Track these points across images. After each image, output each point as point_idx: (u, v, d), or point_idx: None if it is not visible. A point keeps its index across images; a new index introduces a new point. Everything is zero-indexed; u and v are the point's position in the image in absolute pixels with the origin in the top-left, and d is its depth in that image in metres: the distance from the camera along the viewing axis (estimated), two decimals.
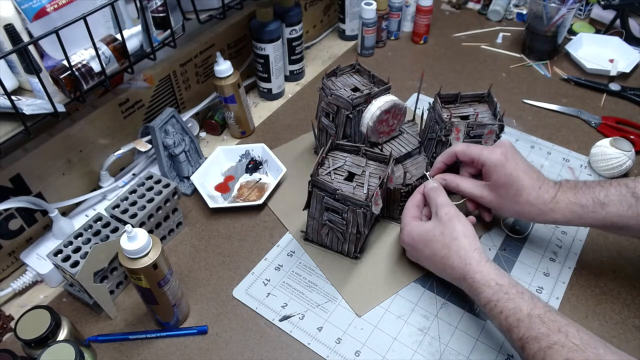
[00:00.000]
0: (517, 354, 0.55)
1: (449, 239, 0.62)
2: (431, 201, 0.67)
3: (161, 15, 0.71)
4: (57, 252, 0.63)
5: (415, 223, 0.67)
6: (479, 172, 0.70)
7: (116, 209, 0.70)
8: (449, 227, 0.63)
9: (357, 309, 0.68)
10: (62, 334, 0.58)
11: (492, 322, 0.58)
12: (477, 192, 0.68)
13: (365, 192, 0.67)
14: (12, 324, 0.67)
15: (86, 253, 0.62)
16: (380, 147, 0.78)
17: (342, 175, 0.69)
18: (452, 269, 0.61)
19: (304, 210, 0.71)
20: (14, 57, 0.60)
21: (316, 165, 0.68)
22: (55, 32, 0.57)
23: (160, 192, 0.72)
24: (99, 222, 0.67)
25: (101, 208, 0.78)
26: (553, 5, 1.00)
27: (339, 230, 0.69)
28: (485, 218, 0.73)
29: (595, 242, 0.75)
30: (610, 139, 0.83)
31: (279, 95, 1.03)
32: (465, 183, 0.70)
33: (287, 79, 1.06)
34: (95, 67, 0.65)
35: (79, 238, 0.65)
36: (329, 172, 0.69)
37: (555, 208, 0.63)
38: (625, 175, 0.83)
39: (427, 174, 0.72)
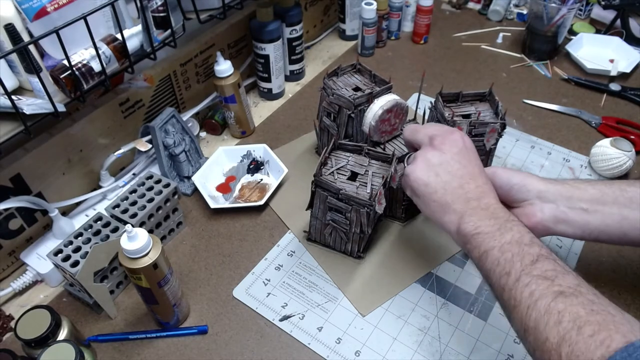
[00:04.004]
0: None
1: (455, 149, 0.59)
2: (416, 139, 0.64)
3: (161, 15, 0.71)
4: (57, 251, 0.63)
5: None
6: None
7: (116, 209, 0.70)
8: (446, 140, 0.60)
9: (360, 308, 0.68)
10: (62, 334, 0.58)
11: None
12: None
13: (368, 191, 0.67)
14: (12, 324, 0.67)
15: (86, 253, 0.62)
16: (382, 146, 0.78)
17: (345, 175, 0.69)
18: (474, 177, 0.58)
19: (306, 210, 0.71)
20: (14, 57, 0.60)
21: (319, 165, 0.68)
22: (56, 31, 0.57)
23: (160, 192, 0.72)
24: (99, 222, 0.67)
25: (101, 208, 0.78)
26: (553, 5, 1.00)
27: (343, 230, 0.69)
28: None
29: (595, 242, 0.75)
30: (610, 139, 0.83)
31: (279, 95, 1.03)
32: None
33: (287, 78, 1.06)
34: (96, 66, 0.65)
35: (79, 238, 0.65)
36: (332, 172, 0.69)
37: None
38: (626, 175, 0.83)
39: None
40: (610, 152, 0.81)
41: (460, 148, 0.60)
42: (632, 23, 1.13)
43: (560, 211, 0.60)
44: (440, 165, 0.59)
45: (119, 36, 0.67)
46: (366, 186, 0.68)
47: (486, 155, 0.75)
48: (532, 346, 0.46)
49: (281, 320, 0.67)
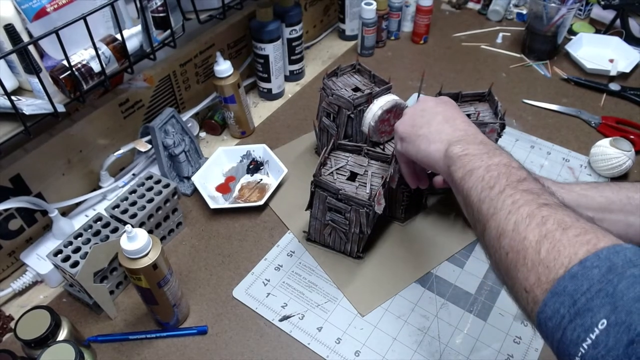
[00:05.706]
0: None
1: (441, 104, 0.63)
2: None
3: (161, 15, 0.71)
4: (57, 252, 0.63)
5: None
6: None
7: (116, 209, 0.70)
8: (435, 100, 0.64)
9: (360, 308, 0.68)
10: (62, 334, 0.58)
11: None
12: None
13: (368, 191, 0.67)
14: (12, 324, 0.67)
15: (86, 253, 0.62)
16: (382, 146, 0.78)
17: (345, 175, 0.69)
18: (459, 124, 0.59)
19: (306, 210, 0.71)
20: (14, 57, 0.60)
21: (319, 165, 0.68)
22: (55, 32, 0.57)
23: (160, 192, 0.72)
24: (98, 222, 0.67)
25: (101, 208, 0.78)
26: (553, 5, 1.00)
27: (342, 230, 0.69)
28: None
29: None
30: (610, 139, 0.83)
31: (279, 95, 1.03)
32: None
33: (287, 79, 1.06)
34: (95, 67, 0.65)
35: (79, 238, 0.65)
36: (332, 172, 0.69)
37: None
38: (625, 175, 0.83)
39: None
40: (610, 152, 0.81)
41: (446, 101, 0.63)
42: (632, 23, 1.13)
43: None
44: (424, 110, 0.62)
45: (118, 36, 0.67)
46: (365, 186, 0.68)
47: None
48: (506, 250, 0.42)
49: (281, 320, 0.67)
